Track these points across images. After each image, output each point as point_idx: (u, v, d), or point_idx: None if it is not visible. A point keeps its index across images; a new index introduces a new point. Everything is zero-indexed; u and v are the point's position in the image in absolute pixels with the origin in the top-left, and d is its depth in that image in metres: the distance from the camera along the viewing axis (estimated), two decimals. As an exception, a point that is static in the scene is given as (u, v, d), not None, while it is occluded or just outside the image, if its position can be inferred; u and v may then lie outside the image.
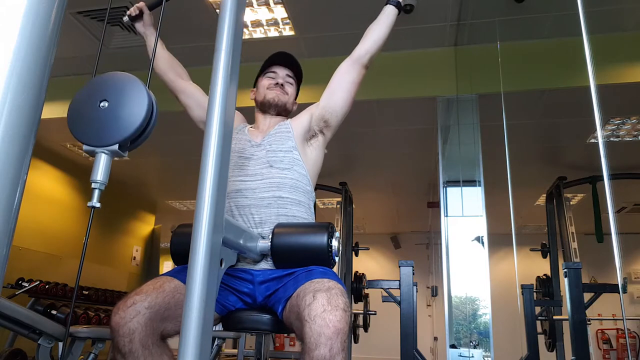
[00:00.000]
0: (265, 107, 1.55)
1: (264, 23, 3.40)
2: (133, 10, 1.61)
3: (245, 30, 3.43)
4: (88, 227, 0.80)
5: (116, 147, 0.68)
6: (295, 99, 1.65)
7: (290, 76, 1.60)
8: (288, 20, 3.35)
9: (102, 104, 0.69)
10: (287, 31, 3.46)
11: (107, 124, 0.68)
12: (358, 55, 1.49)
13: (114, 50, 3.72)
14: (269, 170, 1.40)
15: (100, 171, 0.68)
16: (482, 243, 3.05)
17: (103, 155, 0.69)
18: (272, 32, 3.48)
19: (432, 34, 3.48)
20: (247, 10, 3.28)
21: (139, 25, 1.64)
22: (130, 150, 0.71)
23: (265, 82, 1.57)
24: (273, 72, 1.58)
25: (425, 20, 3.29)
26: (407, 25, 3.30)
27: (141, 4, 1.62)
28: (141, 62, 3.85)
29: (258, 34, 3.49)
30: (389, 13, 1.53)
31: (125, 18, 1.64)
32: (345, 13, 3.22)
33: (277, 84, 1.55)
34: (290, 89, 1.59)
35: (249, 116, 1.65)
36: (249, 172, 1.40)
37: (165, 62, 1.62)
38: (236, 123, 1.57)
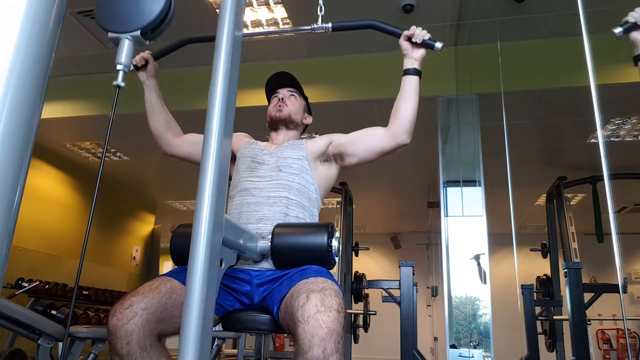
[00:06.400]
0: (273, 124, 1.61)
1: (264, 23, 3.40)
2: (139, 61, 1.59)
3: (245, 30, 3.43)
4: (88, 226, 0.80)
5: (138, 33, 0.75)
6: (307, 112, 1.69)
7: (291, 91, 1.65)
8: (288, 20, 3.35)
9: None
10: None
11: (130, 13, 0.76)
12: (393, 134, 1.43)
13: (114, 50, 3.72)
14: (278, 174, 1.44)
15: (124, 55, 0.76)
16: (479, 265, 3.03)
17: (126, 41, 0.76)
18: (272, 32, 3.48)
19: (432, 34, 3.47)
20: (247, 10, 3.28)
21: (142, 75, 1.62)
22: (151, 40, 0.78)
23: (271, 104, 1.65)
24: (276, 93, 1.65)
25: (425, 20, 3.29)
26: (407, 25, 3.30)
27: (147, 54, 1.60)
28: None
29: (258, 34, 3.49)
30: (410, 84, 1.44)
31: (131, 67, 1.61)
32: (344, 13, 3.22)
33: (278, 100, 1.61)
34: (292, 102, 1.62)
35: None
36: (259, 174, 1.45)
37: (163, 124, 1.61)
38: (243, 139, 1.62)
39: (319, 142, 1.53)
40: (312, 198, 1.47)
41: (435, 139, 3.69)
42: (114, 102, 0.79)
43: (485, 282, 3.02)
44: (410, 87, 1.44)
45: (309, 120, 1.70)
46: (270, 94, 1.68)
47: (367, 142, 1.47)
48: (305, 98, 1.71)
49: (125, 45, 0.76)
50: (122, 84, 0.77)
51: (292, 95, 1.64)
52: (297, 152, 1.49)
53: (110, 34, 0.77)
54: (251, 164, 1.48)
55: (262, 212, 1.37)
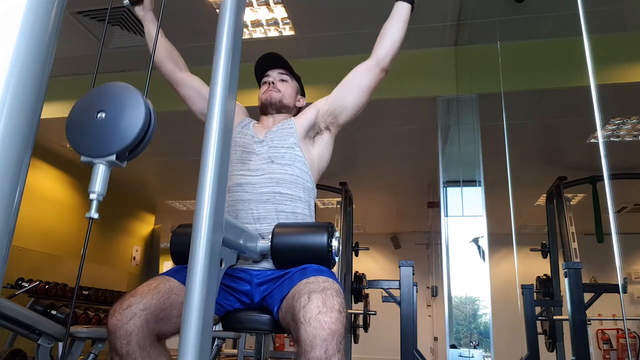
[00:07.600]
0: (264, 109, 1.57)
1: (264, 23, 3.40)
2: None
3: (245, 30, 3.43)
4: (89, 226, 0.80)
5: (114, 157, 0.67)
6: (300, 93, 1.65)
7: (283, 73, 1.60)
8: (288, 20, 3.35)
9: (99, 115, 0.68)
10: (287, 31, 3.46)
11: (104, 135, 0.67)
12: (377, 58, 1.45)
13: (114, 50, 3.72)
14: (270, 166, 1.40)
15: (99, 182, 0.67)
16: (479, 247, 3.05)
17: (101, 166, 0.68)
18: (272, 32, 3.48)
19: (432, 34, 3.48)
20: (247, 10, 3.28)
21: (138, 9, 1.61)
22: (129, 160, 0.70)
23: (262, 89, 1.60)
24: (266, 76, 1.60)
25: (425, 20, 3.29)
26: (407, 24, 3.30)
27: None
28: (141, 62, 3.84)
29: (258, 34, 3.49)
30: (402, 11, 1.45)
31: (126, 1, 1.59)
32: (345, 13, 3.21)
33: (268, 84, 1.57)
34: (284, 85, 1.58)
35: (253, 116, 1.66)
36: (251, 167, 1.41)
37: (164, 52, 1.59)
38: (239, 117, 1.58)
39: (308, 116, 1.50)
40: (308, 187, 1.43)
41: (435, 139, 3.68)
42: (87, 232, 0.73)
43: (485, 261, 3.03)
44: (401, 14, 1.45)
45: (302, 102, 1.64)
46: (260, 77, 1.63)
47: (354, 85, 1.46)
48: (298, 78, 1.65)
49: (100, 171, 0.67)
50: (96, 216, 0.67)
51: (283, 79, 1.59)
52: (287, 139, 1.44)
53: (83, 158, 0.68)
54: (242, 154, 1.43)
55: (257, 210, 1.35)
